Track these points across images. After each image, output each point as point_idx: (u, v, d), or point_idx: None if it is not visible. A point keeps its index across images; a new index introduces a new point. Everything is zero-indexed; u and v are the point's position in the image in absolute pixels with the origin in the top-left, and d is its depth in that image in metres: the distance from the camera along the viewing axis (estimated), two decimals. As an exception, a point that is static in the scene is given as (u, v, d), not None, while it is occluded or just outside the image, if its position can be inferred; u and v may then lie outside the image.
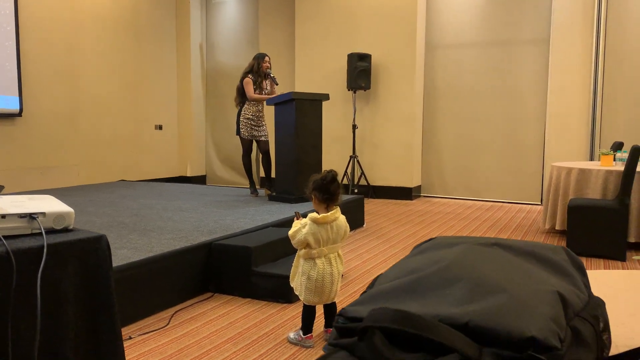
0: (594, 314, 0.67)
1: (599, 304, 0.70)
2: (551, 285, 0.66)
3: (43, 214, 1.58)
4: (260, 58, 5.61)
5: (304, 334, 2.55)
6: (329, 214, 2.48)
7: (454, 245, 0.78)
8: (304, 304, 2.55)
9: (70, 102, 6.80)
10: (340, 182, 2.54)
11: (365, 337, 0.56)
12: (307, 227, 2.46)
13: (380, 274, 0.73)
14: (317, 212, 2.52)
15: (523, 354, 0.53)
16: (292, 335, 2.61)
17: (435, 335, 0.53)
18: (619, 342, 0.80)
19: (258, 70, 5.57)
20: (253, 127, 5.61)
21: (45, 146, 6.53)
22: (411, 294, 0.65)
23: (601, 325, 0.68)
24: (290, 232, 2.53)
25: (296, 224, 2.55)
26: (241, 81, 5.59)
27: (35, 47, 6.36)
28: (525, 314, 0.57)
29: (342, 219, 2.56)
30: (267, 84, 5.66)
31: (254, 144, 5.79)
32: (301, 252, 2.52)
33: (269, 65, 5.62)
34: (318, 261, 2.47)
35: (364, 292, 0.72)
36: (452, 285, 0.64)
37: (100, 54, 7.17)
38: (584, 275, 0.74)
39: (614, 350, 0.76)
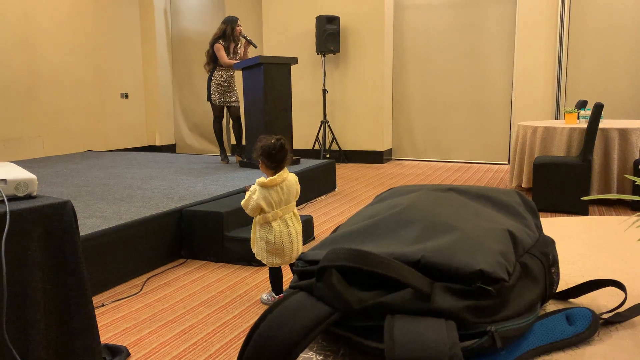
0: (543, 251, 0.71)
1: (549, 242, 0.73)
2: (502, 224, 0.69)
3: (4, 181, 1.55)
4: (233, 22, 5.48)
5: (275, 294, 2.61)
6: (276, 176, 2.50)
7: (411, 192, 0.80)
8: (269, 267, 2.59)
9: (30, 70, 6.57)
10: (291, 146, 2.54)
11: (323, 278, 0.57)
12: (257, 193, 2.48)
13: (342, 223, 0.75)
14: (265, 176, 2.54)
15: (472, 286, 0.56)
16: (264, 296, 2.66)
17: (389, 271, 0.55)
18: (569, 280, 0.84)
19: (232, 34, 5.46)
20: (224, 92, 5.54)
21: (7, 117, 6.32)
22: (367, 236, 0.66)
23: (550, 261, 0.71)
24: (242, 202, 2.55)
25: (247, 195, 2.56)
26: (211, 46, 5.47)
27: (-10, 14, 6.08)
28: (475, 250, 0.59)
29: (291, 178, 2.58)
30: (239, 47, 5.57)
31: (225, 111, 5.72)
32: (257, 219, 2.53)
33: (241, 28, 5.52)
34: (274, 224, 2.49)
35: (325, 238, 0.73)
36: (406, 227, 0.66)
37: (59, 21, 6.91)
38: (536, 217, 0.77)
39: (563, 286, 0.80)
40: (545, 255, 0.72)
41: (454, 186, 0.79)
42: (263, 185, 2.49)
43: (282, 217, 2.52)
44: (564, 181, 4.28)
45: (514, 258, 0.65)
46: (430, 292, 0.56)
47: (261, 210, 2.50)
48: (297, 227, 2.59)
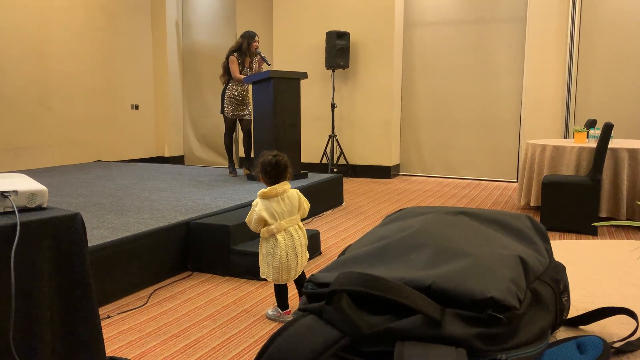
0: (554, 277, 0.70)
1: (560, 268, 0.72)
2: (513, 250, 0.68)
3: (15, 192, 1.56)
4: (250, 37, 5.52)
5: (281, 310, 2.60)
6: (275, 186, 2.54)
7: (422, 214, 0.80)
8: (274, 284, 2.59)
9: (42, 80, 6.65)
10: (288, 162, 2.61)
11: (333, 301, 0.57)
12: (258, 205, 2.51)
13: (351, 244, 0.75)
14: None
15: (483, 314, 0.55)
16: (270, 312, 2.65)
17: (399, 297, 0.55)
18: (579, 306, 0.83)
19: (248, 49, 5.50)
20: (238, 105, 5.57)
21: (18, 126, 6.39)
22: (378, 259, 0.66)
23: (561, 288, 0.70)
24: (246, 219, 2.57)
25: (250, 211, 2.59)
26: (227, 59, 5.52)
27: (4, 25, 6.18)
28: (486, 276, 0.59)
29: (293, 191, 2.61)
30: (255, 62, 5.61)
31: (237, 124, 5.76)
32: (262, 232, 2.53)
33: (258, 44, 5.56)
34: (279, 237, 2.49)
35: (334, 260, 0.73)
36: (417, 251, 0.66)
37: (71, 31, 7.00)
38: (547, 242, 0.76)
39: (573, 312, 0.79)
40: (556, 281, 0.72)
41: (465, 209, 0.79)
42: (264, 196, 2.52)
43: (286, 229, 2.52)
44: (573, 201, 4.25)
45: (525, 284, 0.65)
46: (440, 318, 0.56)
47: (265, 223, 2.51)
48: (302, 241, 2.59)
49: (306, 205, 2.66)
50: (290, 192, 2.58)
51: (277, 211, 2.51)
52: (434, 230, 0.70)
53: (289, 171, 2.61)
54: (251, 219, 2.53)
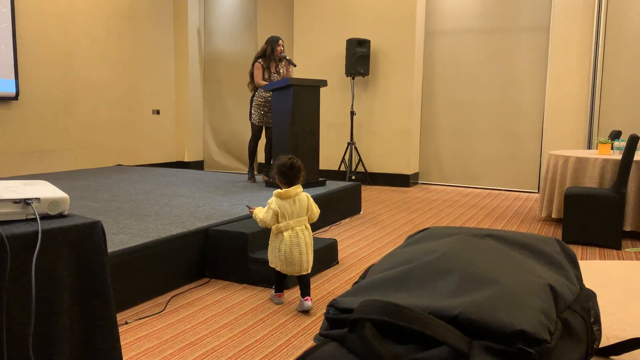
0: (585, 307, 0.67)
1: (591, 296, 0.70)
2: (543, 277, 0.66)
3: (38, 199, 1.57)
4: (274, 42, 5.51)
5: (275, 292, 2.94)
6: (290, 188, 2.82)
7: (447, 236, 0.78)
8: (275, 270, 2.87)
9: (66, 85, 6.76)
10: (301, 165, 2.89)
11: (356, 329, 0.56)
12: (274, 202, 2.80)
13: (373, 264, 0.73)
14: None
15: (513, 348, 0.53)
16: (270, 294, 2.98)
17: (425, 328, 0.53)
18: (610, 333, 0.80)
19: (272, 54, 5.51)
20: (266, 113, 5.54)
21: (42, 130, 6.50)
22: (402, 285, 0.64)
23: (592, 317, 0.68)
24: (260, 217, 2.83)
25: (259, 210, 2.87)
26: (252, 65, 5.54)
27: (31, 30, 6.30)
28: (515, 306, 0.57)
29: (304, 194, 2.89)
30: (281, 67, 5.61)
31: (264, 131, 5.74)
32: (273, 229, 2.82)
33: (282, 48, 5.55)
34: (285, 234, 2.78)
35: (356, 282, 0.72)
36: (443, 277, 0.64)
37: (95, 37, 7.11)
38: (576, 267, 0.73)
39: (604, 342, 0.76)
40: (586, 311, 0.69)
41: (492, 232, 0.76)
42: (279, 196, 2.81)
43: (293, 228, 2.80)
44: (596, 214, 4.17)
45: (555, 315, 0.62)
46: (468, 351, 0.53)
47: (277, 220, 2.79)
48: (307, 240, 2.85)
49: (316, 209, 2.92)
50: (301, 196, 2.86)
51: (288, 211, 2.79)
52: (460, 254, 0.68)
53: (302, 174, 2.89)
54: (266, 217, 2.80)
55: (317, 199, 4.65)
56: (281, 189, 2.86)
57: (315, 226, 4.56)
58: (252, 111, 5.57)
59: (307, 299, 2.82)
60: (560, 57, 6.65)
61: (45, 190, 1.65)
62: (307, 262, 2.82)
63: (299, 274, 2.82)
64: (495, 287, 0.61)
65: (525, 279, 0.64)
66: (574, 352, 0.61)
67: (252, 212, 2.93)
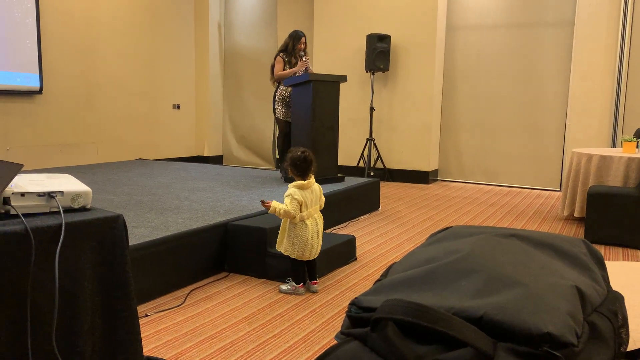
0: (612, 309, 0.66)
1: (618, 298, 0.68)
2: (569, 279, 0.65)
3: (61, 192, 1.59)
4: (296, 38, 5.46)
5: (296, 284, 2.99)
6: (306, 181, 2.99)
7: (471, 236, 0.76)
8: (292, 260, 2.98)
9: (89, 80, 6.85)
10: (313, 158, 3.02)
11: (378, 328, 0.55)
12: (297, 194, 2.93)
13: (395, 263, 0.72)
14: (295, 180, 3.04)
15: (539, 350, 0.52)
16: (284, 287, 3.02)
17: (448, 329, 0.52)
18: (636, 336, 0.78)
19: (293, 50, 5.48)
20: (290, 107, 5.47)
21: (65, 124, 6.59)
22: (425, 284, 0.64)
23: (619, 320, 0.66)
24: (286, 208, 2.90)
25: (277, 203, 2.93)
26: (275, 59, 5.51)
27: (55, 25, 6.38)
28: (541, 309, 0.56)
29: (316, 185, 3.07)
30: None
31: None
32: (296, 218, 2.93)
33: (303, 46, 5.51)
34: (308, 222, 2.95)
35: (378, 280, 0.71)
36: (467, 277, 0.63)
37: (118, 32, 7.18)
38: (603, 269, 0.72)
39: (631, 345, 0.75)
40: (614, 314, 0.68)
41: (516, 231, 0.75)
42: (300, 187, 2.96)
43: (312, 216, 2.99)
44: (620, 213, 4.10)
45: (582, 317, 0.61)
46: (493, 353, 0.53)
47: (300, 210, 2.94)
48: (320, 226, 3.05)
49: (324, 198, 3.15)
50: (315, 186, 3.05)
51: (308, 201, 2.97)
52: (485, 254, 0.67)
53: (314, 165, 3.05)
54: (292, 209, 2.89)
55: (335, 195, 4.64)
56: (295, 180, 3.03)
57: (333, 222, 4.56)
58: (276, 106, 5.52)
59: (314, 282, 3.06)
60: (584, 53, 6.53)
61: (68, 184, 1.67)
62: (319, 247, 3.04)
63: (308, 259, 3.00)
64: (520, 288, 0.60)
65: (552, 280, 0.63)
66: (601, 355, 0.60)
67: (267, 207, 2.94)
